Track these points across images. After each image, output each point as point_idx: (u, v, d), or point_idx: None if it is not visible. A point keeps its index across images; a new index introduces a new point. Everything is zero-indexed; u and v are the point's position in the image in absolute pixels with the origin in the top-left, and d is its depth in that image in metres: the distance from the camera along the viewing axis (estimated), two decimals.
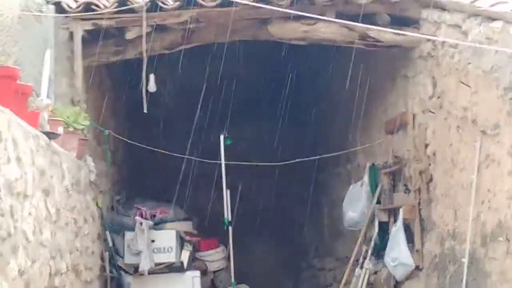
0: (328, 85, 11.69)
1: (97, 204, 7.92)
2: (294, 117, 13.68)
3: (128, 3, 7.58)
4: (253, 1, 7.53)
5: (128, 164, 11.31)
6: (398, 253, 7.98)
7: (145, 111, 7.86)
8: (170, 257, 8.64)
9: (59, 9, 7.48)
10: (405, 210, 8.01)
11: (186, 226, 9.39)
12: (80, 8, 7.51)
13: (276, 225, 13.86)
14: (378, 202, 8.95)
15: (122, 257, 8.51)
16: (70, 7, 7.50)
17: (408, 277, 8.00)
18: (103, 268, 8.06)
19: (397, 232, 8.06)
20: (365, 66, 9.33)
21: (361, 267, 8.94)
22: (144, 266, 8.37)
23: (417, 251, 7.88)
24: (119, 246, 8.54)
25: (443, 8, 7.31)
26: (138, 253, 8.41)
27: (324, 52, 10.20)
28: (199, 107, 12.89)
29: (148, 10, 7.62)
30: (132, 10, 7.64)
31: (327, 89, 11.78)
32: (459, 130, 6.87)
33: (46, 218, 5.04)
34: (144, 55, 7.73)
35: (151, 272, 8.56)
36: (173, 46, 8.16)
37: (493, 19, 6.34)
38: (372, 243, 8.91)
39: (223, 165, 9.46)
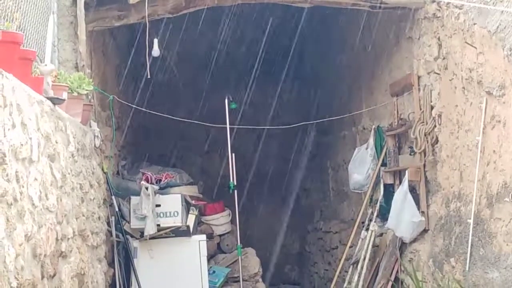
0: (333, 48, 11.64)
1: (102, 169, 7.94)
2: (299, 80, 13.68)
3: None
4: None
5: (133, 129, 11.31)
6: None
7: (148, 76, 7.85)
8: (176, 221, 8.64)
9: None
10: (410, 172, 8.01)
11: (192, 190, 9.40)
12: None
13: (281, 188, 13.90)
14: (384, 164, 8.96)
15: (128, 222, 8.54)
16: None
17: (414, 238, 8.02)
18: (109, 233, 8.10)
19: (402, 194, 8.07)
20: (370, 28, 9.28)
21: (367, 229, 8.98)
22: (150, 230, 8.39)
23: (422, 212, 7.90)
24: (125, 211, 8.56)
25: None
26: (144, 218, 8.43)
27: (329, 15, 10.14)
28: (204, 72, 12.90)
29: None
30: None
31: (332, 52, 11.74)
32: (465, 91, 6.84)
33: (52, 183, 5.05)
34: (147, 19, 7.68)
35: (157, 237, 8.60)
36: (177, 10, 8.09)
37: None
38: (378, 205, 8.94)
39: (228, 129, 9.45)
